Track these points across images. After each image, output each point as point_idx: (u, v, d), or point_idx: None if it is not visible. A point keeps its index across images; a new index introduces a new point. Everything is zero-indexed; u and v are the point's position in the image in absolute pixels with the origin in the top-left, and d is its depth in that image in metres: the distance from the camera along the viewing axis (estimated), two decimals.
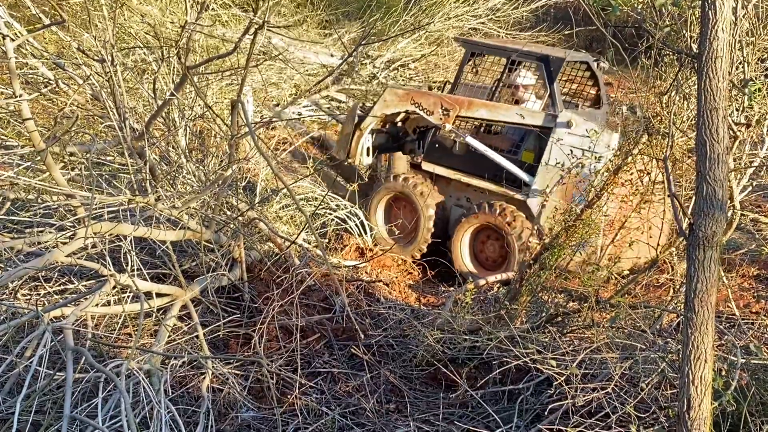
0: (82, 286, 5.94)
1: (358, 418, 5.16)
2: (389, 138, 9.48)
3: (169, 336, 5.42)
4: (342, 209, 8.19)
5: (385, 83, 13.56)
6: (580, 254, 5.72)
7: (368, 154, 9.21)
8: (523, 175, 7.90)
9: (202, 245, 6.01)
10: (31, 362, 4.19)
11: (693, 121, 4.56)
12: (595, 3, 4.11)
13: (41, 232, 5.19)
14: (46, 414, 4.51)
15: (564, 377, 4.40)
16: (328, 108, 12.51)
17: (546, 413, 4.65)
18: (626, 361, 4.49)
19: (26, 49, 6.45)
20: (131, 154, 5.81)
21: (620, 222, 5.47)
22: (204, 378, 5.05)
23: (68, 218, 5.39)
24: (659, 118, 4.62)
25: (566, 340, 5.41)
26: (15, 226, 6.00)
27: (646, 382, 4.35)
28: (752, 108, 4.53)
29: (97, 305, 5.05)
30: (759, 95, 4.22)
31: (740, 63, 4.33)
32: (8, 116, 6.26)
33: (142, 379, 4.29)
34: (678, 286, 5.50)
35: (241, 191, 6.89)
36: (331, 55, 13.60)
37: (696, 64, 3.46)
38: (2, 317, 4.93)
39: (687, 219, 3.56)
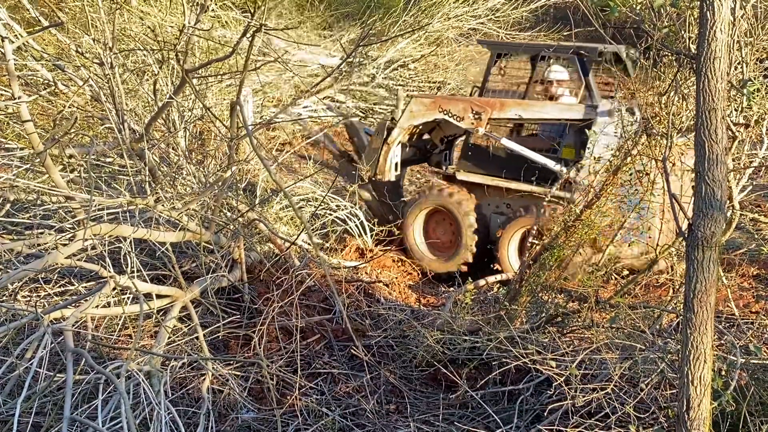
0: (82, 287, 5.95)
1: (358, 419, 5.16)
2: (416, 152, 9.29)
3: (169, 337, 5.42)
4: (342, 210, 8.19)
5: (385, 84, 13.57)
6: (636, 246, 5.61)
7: (397, 169, 8.97)
8: (571, 172, 7.56)
9: (202, 246, 6.01)
10: (31, 364, 4.19)
11: (692, 122, 4.57)
12: (593, 4, 4.12)
13: (41, 233, 5.19)
14: (46, 415, 4.52)
15: (564, 378, 4.40)
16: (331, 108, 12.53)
17: (546, 414, 4.65)
18: (626, 361, 4.49)
19: (26, 51, 6.45)
20: (131, 156, 5.82)
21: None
22: (204, 379, 5.05)
23: (68, 220, 5.40)
24: (658, 118, 4.62)
25: (566, 340, 5.42)
26: (15, 228, 6.00)
27: (646, 382, 4.35)
28: (751, 108, 4.54)
29: (97, 307, 5.05)
30: (757, 95, 4.22)
31: (739, 63, 4.34)
32: (7, 118, 6.27)
33: (142, 380, 4.29)
34: (677, 287, 5.50)
35: (241, 192, 6.90)
36: (332, 56, 13.61)
37: (694, 65, 3.46)
38: (2, 319, 4.94)
39: (686, 219, 3.56)
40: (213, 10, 9.74)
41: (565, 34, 13.62)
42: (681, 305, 3.91)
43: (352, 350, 5.85)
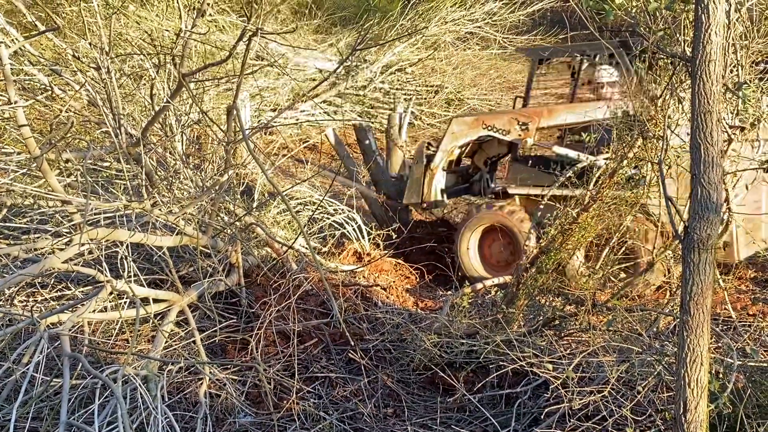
0: (79, 292, 5.94)
1: (355, 423, 5.16)
2: (458, 178, 9.02)
3: (166, 342, 5.41)
4: (340, 214, 8.19)
5: (382, 87, 13.59)
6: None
7: (443, 196, 8.67)
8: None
9: (199, 251, 6.01)
10: (27, 369, 4.18)
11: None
12: (588, 7, 4.12)
13: (37, 238, 5.19)
14: (43, 420, 4.52)
15: (560, 381, 4.40)
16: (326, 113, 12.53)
17: (543, 417, 4.65)
18: (623, 364, 4.49)
19: (22, 56, 6.45)
20: (127, 160, 5.81)
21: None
22: (201, 383, 5.05)
23: (64, 224, 5.40)
24: (654, 121, 4.63)
25: (563, 343, 5.42)
26: (11, 233, 6.00)
27: (643, 385, 4.35)
28: (747, 111, 4.54)
29: (93, 311, 5.05)
30: (753, 98, 4.23)
31: (734, 66, 4.35)
32: (4, 123, 6.26)
33: (139, 385, 4.28)
34: (674, 289, 5.51)
35: (239, 196, 6.90)
36: (329, 60, 13.63)
37: (690, 68, 3.46)
38: None
39: (682, 222, 3.56)
40: (210, 14, 9.75)
41: (561, 37, 13.65)
42: (678, 308, 3.91)
43: (349, 354, 5.85)
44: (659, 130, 4.58)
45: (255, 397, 5.31)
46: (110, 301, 5.37)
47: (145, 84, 7.13)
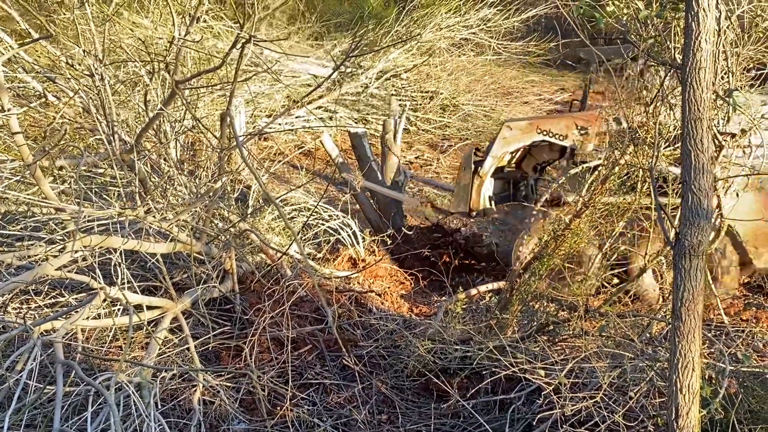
0: (73, 299, 5.94)
1: (350, 430, 5.16)
2: (505, 184, 8.69)
3: (159, 349, 5.41)
4: (334, 220, 8.20)
5: (377, 93, 13.61)
6: None
7: (491, 203, 8.34)
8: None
9: (193, 257, 6.01)
10: (21, 376, 4.18)
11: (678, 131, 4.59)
12: (580, 15, 4.15)
13: (31, 245, 5.19)
14: (36, 428, 4.51)
15: (553, 387, 4.41)
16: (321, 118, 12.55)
17: (536, 422, 4.66)
18: (615, 369, 4.50)
19: (16, 63, 6.46)
20: (121, 167, 5.82)
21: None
22: (195, 391, 5.05)
23: (58, 231, 5.39)
24: (645, 128, 4.65)
25: (556, 349, 5.43)
26: (5, 240, 5.99)
27: (635, 390, 4.36)
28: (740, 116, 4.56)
29: (87, 318, 5.05)
30: (744, 105, 4.25)
31: (725, 73, 4.37)
32: None
33: (132, 392, 4.28)
34: (667, 295, 5.52)
35: (233, 203, 6.90)
36: (324, 66, 13.64)
37: (680, 75, 3.48)
38: None
39: (673, 228, 3.58)
40: (204, 21, 9.77)
41: (553, 44, 13.70)
42: (670, 313, 3.92)
43: (343, 360, 5.85)
44: (650, 137, 4.60)
45: (249, 404, 5.31)
46: (104, 308, 5.37)
47: (139, 91, 7.14)
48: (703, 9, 3.32)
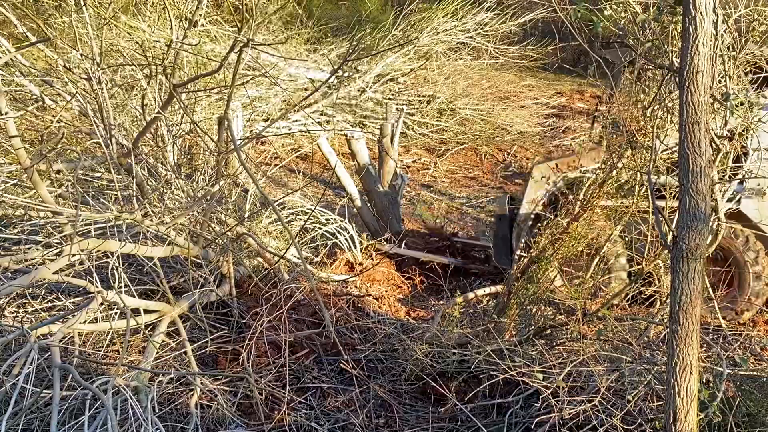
0: (70, 303, 5.92)
1: None
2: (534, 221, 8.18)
3: (157, 353, 5.40)
4: (332, 223, 8.19)
5: (374, 97, 13.62)
6: None
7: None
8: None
9: (190, 261, 6.00)
10: (18, 380, 4.17)
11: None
12: (577, 19, 4.15)
13: (28, 249, 5.18)
14: None
15: (551, 390, 4.41)
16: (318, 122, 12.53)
17: (534, 426, 4.65)
18: (613, 373, 4.51)
19: (13, 67, 6.45)
20: (118, 171, 5.81)
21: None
22: (192, 394, 5.04)
23: (55, 235, 5.38)
24: (643, 132, 4.66)
25: (554, 353, 5.43)
26: (2, 244, 5.98)
27: (633, 394, 4.36)
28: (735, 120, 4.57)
29: (84, 322, 5.04)
30: (741, 108, 4.27)
31: (722, 77, 4.38)
32: None
33: (130, 396, 4.27)
34: (664, 298, 5.53)
35: (231, 206, 6.89)
36: (321, 70, 13.64)
37: (678, 79, 3.49)
38: None
39: (671, 232, 3.59)
40: (202, 25, 9.76)
41: (550, 48, 13.72)
42: (668, 317, 3.93)
43: (341, 364, 5.84)
44: (648, 141, 4.61)
45: (246, 408, 5.30)
46: (101, 312, 5.36)
47: (136, 94, 7.13)
48: (701, 13, 3.33)
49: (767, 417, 4.27)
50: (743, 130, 4.59)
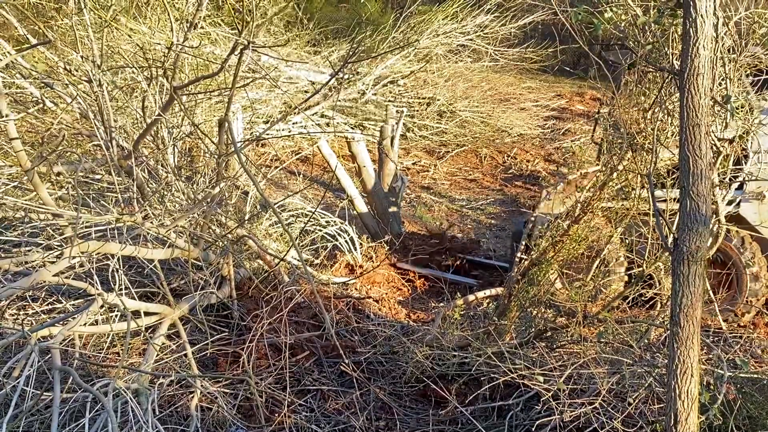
0: (70, 305, 5.92)
1: None
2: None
3: (157, 355, 5.40)
4: (332, 226, 8.19)
5: (374, 99, 13.61)
6: None
7: None
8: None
9: (191, 263, 6.00)
10: (18, 382, 4.16)
11: (676, 137, 4.59)
12: (578, 21, 4.15)
13: (28, 251, 5.17)
14: None
15: (552, 393, 4.40)
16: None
17: (535, 429, 4.65)
18: (614, 375, 4.50)
19: (14, 69, 6.45)
20: (119, 173, 5.81)
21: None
22: (193, 397, 5.03)
23: (55, 237, 5.38)
24: (643, 134, 4.66)
25: (555, 355, 5.43)
26: (2, 246, 5.98)
27: (634, 396, 4.36)
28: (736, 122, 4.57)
29: (84, 324, 5.03)
30: (741, 111, 4.27)
31: (723, 79, 4.38)
32: None
33: (130, 398, 4.27)
34: (665, 301, 5.53)
35: (231, 209, 6.89)
36: (321, 72, 13.63)
37: (678, 81, 3.49)
38: None
39: (672, 234, 3.58)
40: (202, 27, 9.77)
41: (550, 51, 13.71)
42: (668, 319, 3.93)
43: (341, 367, 5.84)
44: (648, 143, 4.60)
45: (246, 410, 5.29)
46: (101, 315, 5.35)
47: (136, 97, 7.13)
48: (701, 15, 3.33)
49: None
50: (744, 133, 4.59)
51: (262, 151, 11.99)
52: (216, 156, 6.11)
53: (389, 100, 14.11)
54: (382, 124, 10.10)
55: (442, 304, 7.56)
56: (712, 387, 4.13)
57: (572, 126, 14.95)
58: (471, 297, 7.64)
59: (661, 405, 4.34)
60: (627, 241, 6.51)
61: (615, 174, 5.09)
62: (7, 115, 4.89)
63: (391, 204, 9.32)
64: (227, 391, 5.36)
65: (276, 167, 9.78)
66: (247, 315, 6.22)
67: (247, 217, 7.19)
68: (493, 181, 13.14)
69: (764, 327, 6.89)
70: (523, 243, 7.05)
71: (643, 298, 5.98)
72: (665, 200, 5.08)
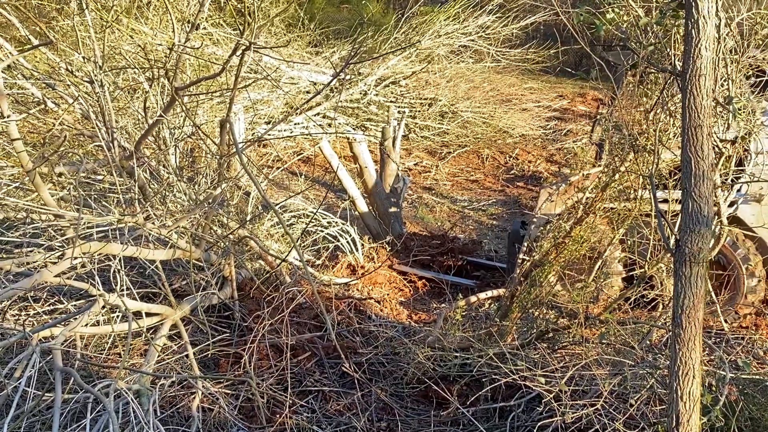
0: (72, 306, 5.92)
1: None
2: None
3: (158, 356, 5.40)
4: (334, 226, 8.19)
5: (376, 100, 13.62)
6: None
7: None
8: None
9: (192, 264, 6.00)
10: (19, 383, 4.17)
11: (678, 138, 4.59)
12: (580, 22, 4.15)
13: (30, 252, 5.18)
14: None
15: (553, 394, 4.40)
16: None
17: (537, 430, 4.64)
18: (615, 377, 4.50)
19: (15, 70, 6.46)
20: (120, 174, 5.81)
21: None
22: (194, 398, 5.03)
23: (57, 238, 5.38)
24: (645, 135, 4.65)
25: (556, 356, 5.42)
26: (3, 247, 5.98)
27: (636, 398, 4.35)
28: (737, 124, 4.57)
29: (86, 325, 5.04)
30: (743, 112, 4.26)
31: (725, 80, 4.38)
32: None
33: (131, 399, 4.27)
34: (667, 302, 5.52)
35: (232, 209, 6.89)
36: (323, 73, 13.63)
37: (680, 82, 3.49)
38: None
39: (674, 235, 3.58)
40: (204, 28, 9.77)
41: (552, 51, 13.71)
42: (670, 321, 3.92)
43: (343, 367, 5.84)
44: (650, 144, 4.60)
45: (248, 411, 5.29)
46: (103, 315, 5.36)
47: (138, 97, 7.14)
48: (703, 16, 3.33)
49: None
50: (745, 134, 4.59)
51: (263, 151, 12.00)
52: (218, 157, 6.11)
53: (391, 101, 14.11)
54: (384, 125, 10.10)
55: (443, 305, 7.56)
56: (714, 388, 4.12)
57: (574, 127, 14.94)
58: (473, 298, 7.63)
59: (663, 406, 4.33)
60: (628, 242, 6.51)
61: (617, 175, 5.09)
62: (8, 116, 4.89)
63: (393, 205, 9.32)
64: (228, 391, 5.36)
65: (278, 168, 9.78)
66: (249, 316, 6.22)
67: (248, 218, 7.19)
68: (494, 182, 13.14)
69: (766, 328, 6.88)
70: (525, 244, 7.06)
71: (645, 299, 5.97)
72: (667, 201, 5.09)
